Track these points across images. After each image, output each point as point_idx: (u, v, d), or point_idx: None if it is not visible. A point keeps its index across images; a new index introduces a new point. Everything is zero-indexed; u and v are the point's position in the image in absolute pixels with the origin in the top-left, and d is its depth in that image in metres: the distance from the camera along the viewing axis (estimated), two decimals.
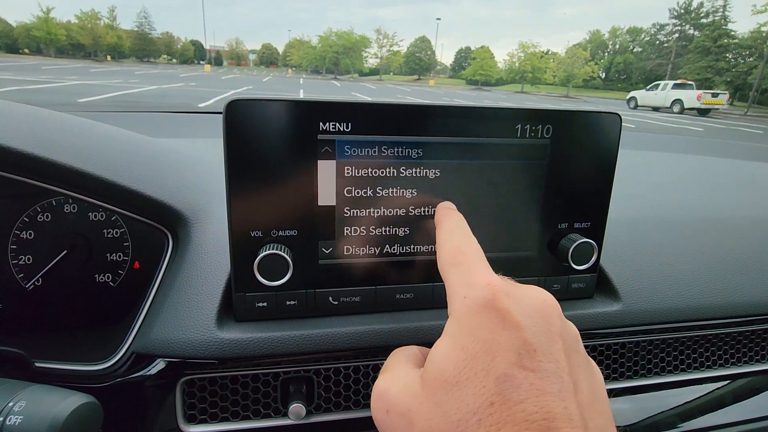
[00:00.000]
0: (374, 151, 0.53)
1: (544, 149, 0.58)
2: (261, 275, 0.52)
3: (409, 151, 0.54)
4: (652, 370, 0.73)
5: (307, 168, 0.52)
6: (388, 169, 0.54)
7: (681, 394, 0.72)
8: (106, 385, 0.57)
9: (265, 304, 0.56)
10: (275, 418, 0.60)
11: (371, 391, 0.64)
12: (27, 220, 0.76)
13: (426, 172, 0.55)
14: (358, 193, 0.55)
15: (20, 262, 0.76)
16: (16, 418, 0.37)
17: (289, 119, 0.50)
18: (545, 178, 0.60)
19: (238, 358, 0.53)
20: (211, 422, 0.59)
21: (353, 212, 0.55)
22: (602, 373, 0.71)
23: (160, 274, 0.62)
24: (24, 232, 0.76)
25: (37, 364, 0.60)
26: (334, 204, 0.54)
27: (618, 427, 0.34)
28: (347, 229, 0.56)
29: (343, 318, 0.58)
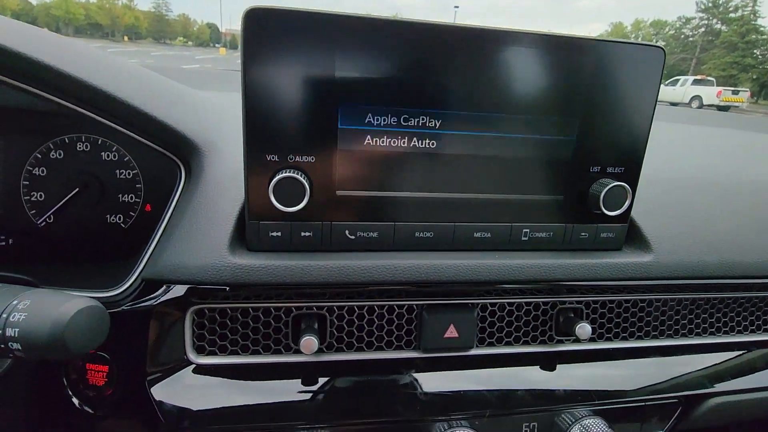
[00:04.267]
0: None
1: (581, 84, 0.54)
2: (276, 199, 0.50)
3: (437, 82, 0.51)
4: (679, 332, 0.70)
5: (329, 88, 0.49)
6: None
7: (709, 358, 0.69)
8: (115, 312, 0.56)
9: (279, 234, 0.54)
10: (286, 354, 0.58)
11: (385, 333, 0.62)
12: (39, 156, 0.75)
13: (451, 109, 0.52)
14: (384, 120, 0.52)
15: (32, 199, 0.75)
16: (20, 315, 0.35)
17: (312, 33, 0.47)
18: (579, 117, 0.56)
19: (249, 284, 0.51)
20: (221, 354, 0.57)
21: (376, 141, 0.53)
22: (627, 331, 0.68)
23: (172, 206, 0.60)
24: (36, 169, 0.75)
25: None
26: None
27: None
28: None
29: (360, 253, 0.56)
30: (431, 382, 0.59)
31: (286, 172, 0.50)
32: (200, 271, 0.51)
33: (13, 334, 0.35)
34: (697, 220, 0.67)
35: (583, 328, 0.60)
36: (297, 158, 0.51)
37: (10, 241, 0.76)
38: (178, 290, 0.54)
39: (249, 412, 0.55)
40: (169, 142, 0.61)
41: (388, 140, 0.53)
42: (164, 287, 0.54)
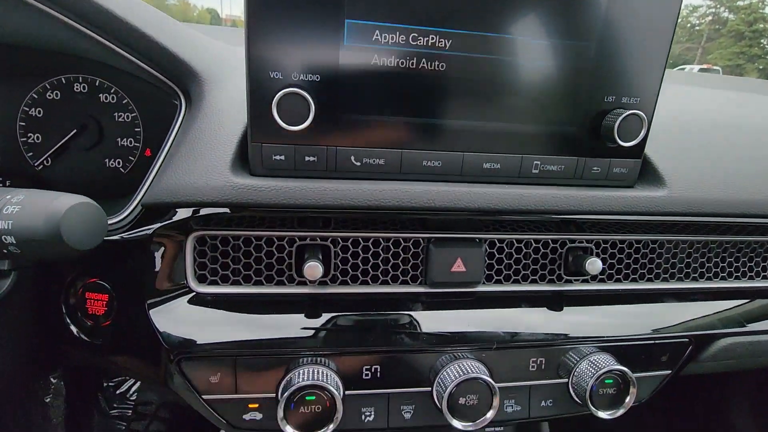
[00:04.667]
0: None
1: (597, 6, 0.52)
2: (280, 117, 0.48)
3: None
4: (690, 275, 0.68)
5: (334, 2, 0.47)
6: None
7: (721, 302, 0.67)
8: (115, 240, 0.55)
9: (282, 157, 0.52)
10: (289, 285, 0.57)
11: (391, 266, 0.61)
12: (36, 97, 0.73)
13: (462, 28, 0.50)
14: (392, 39, 0.50)
15: (29, 140, 0.73)
16: (13, 208, 0.34)
17: None
18: (595, 41, 0.54)
19: (251, 205, 0.49)
20: (222, 284, 0.56)
21: (383, 61, 0.50)
22: (637, 273, 0.67)
23: (172, 136, 0.59)
24: (33, 110, 0.73)
25: None
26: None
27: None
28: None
29: (366, 181, 0.54)
30: (437, 318, 0.58)
31: (289, 89, 0.48)
32: (200, 191, 0.49)
33: (6, 227, 0.33)
34: (712, 159, 0.65)
35: (594, 263, 0.59)
36: (301, 77, 0.49)
37: (8, 183, 0.75)
38: (179, 216, 0.52)
39: (250, 342, 0.54)
40: (169, 68, 0.59)
41: (395, 60, 0.51)
42: (164, 213, 0.52)
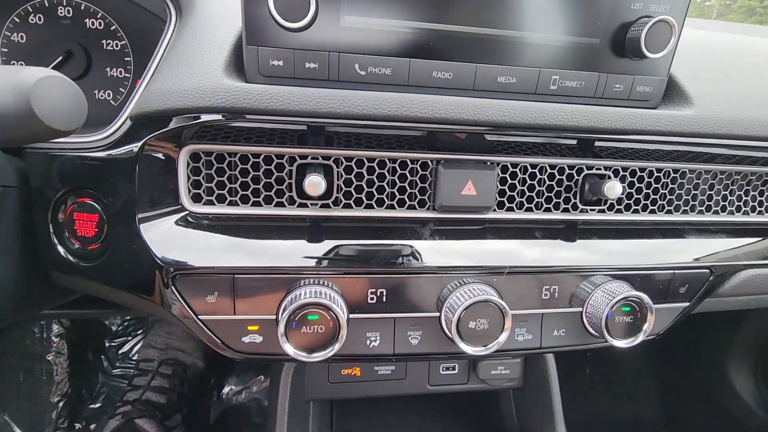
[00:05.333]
0: None
1: None
2: (277, 11, 0.44)
3: None
4: (711, 208, 0.65)
5: None
6: None
7: (743, 236, 0.64)
8: (103, 158, 0.51)
9: (280, 63, 0.48)
10: (289, 207, 0.54)
11: (398, 189, 0.58)
12: (18, 20, 0.68)
13: None
14: None
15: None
16: None
17: None
18: None
19: (247, 111, 0.45)
20: (219, 204, 0.52)
21: None
22: (656, 204, 0.63)
23: (161, 48, 0.54)
24: (15, 35, 0.69)
25: None
26: None
27: None
28: None
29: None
30: (445, 244, 0.55)
31: None
32: (191, 95, 0.45)
33: None
34: (740, 80, 0.61)
35: (614, 187, 0.55)
36: None
37: None
38: (169, 126, 0.48)
39: (249, 269, 0.51)
40: None
41: None
42: (154, 124, 0.49)
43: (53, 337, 1.48)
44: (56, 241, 0.52)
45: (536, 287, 0.55)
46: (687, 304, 0.60)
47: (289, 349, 0.46)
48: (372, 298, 0.51)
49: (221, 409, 1.48)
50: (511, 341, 0.54)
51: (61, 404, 1.38)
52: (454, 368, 0.83)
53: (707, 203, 0.64)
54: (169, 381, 1.29)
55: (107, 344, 1.65)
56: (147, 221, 0.50)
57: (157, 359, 1.36)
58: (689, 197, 0.63)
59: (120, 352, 1.62)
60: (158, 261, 0.48)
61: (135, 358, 1.56)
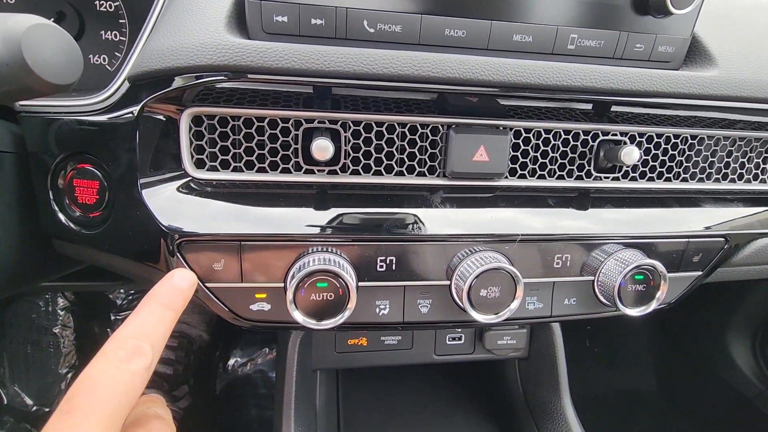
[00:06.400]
0: None
1: None
2: None
3: None
4: (728, 176, 0.63)
5: None
6: None
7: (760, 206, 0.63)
8: (101, 122, 0.49)
9: (285, 18, 0.45)
10: (296, 173, 0.52)
11: (407, 155, 0.56)
12: None
13: None
14: None
15: None
16: None
17: None
18: None
19: (250, 69, 0.43)
20: (223, 170, 0.51)
21: None
22: (672, 171, 0.61)
23: (158, 6, 0.51)
24: None
25: (22, 103, 0.52)
26: None
27: None
28: None
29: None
30: (456, 212, 0.54)
31: None
32: (192, 52, 0.43)
33: None
34: (766, 41, 0.58)
35: (631, 152, 0.54)
36: None
37: None
38: (170, 86, 0.46)
39: (255, 236, 0.49)
40: None
41: None
42: (153, 85, 0.46)
43: (59, 311, 1.49)
44: (57, 208, 0.50)
45: (548, 255, 0.54)
46: (700, 273, 0.59)
47: (298, 316, 0.46)
48: (381, 266, 0.50)
49: (227, 380, 1.51)
50: (522, 309, 0.54)
51: (69, 375, 1.39)
52: (460, 338, 0.84)
53: (724, 171, 0.63)
54: (175, 353, 1.31)
55: (113, 317, 1.67)
56: (149, 187, 0.48)
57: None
58: (706, 165, 0.62)
59: None
60: (163, 228, 0.47)
61: None
